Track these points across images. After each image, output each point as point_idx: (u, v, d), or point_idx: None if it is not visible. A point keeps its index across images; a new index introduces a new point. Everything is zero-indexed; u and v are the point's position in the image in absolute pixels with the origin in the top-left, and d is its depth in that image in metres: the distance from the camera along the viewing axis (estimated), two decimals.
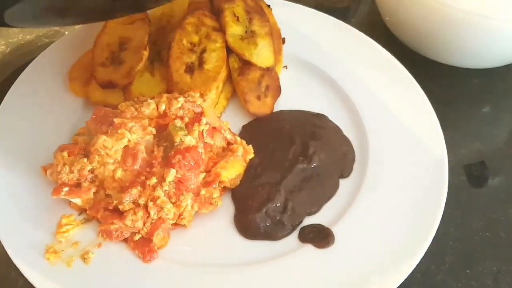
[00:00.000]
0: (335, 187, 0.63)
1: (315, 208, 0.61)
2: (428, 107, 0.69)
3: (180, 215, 0.57)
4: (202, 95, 0.67)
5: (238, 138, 0.66)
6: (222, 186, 0.62)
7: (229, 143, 0.65)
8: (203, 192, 0.59)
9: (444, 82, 0.80)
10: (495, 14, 0.69)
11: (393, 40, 0.83)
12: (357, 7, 0.94)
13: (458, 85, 0.81)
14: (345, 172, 0.65)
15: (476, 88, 0.80)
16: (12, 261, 0.53)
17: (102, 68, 0.67)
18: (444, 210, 0.59)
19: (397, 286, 0.53)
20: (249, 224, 0.59)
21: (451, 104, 0.78)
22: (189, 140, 0.59)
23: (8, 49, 0.76)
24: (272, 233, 0.59)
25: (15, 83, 0.69)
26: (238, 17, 0.71)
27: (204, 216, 0.59)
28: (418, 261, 0.55)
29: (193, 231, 0.59)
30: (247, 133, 0.69)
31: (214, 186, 0.60)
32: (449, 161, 0.63)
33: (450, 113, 0.75)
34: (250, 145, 0.65)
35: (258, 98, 0.70)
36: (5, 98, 0.67)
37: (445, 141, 0.65)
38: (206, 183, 0.60)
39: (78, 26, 0.75)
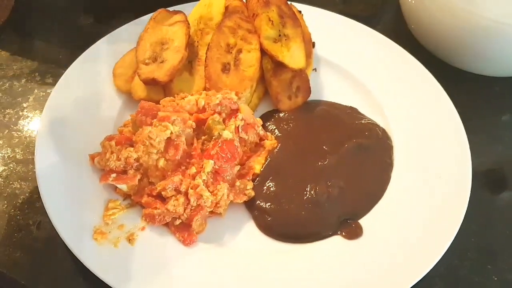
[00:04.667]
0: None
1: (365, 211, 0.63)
2: (452, 110, 0.72)
3: (216, 203, 0.61)
4: (237, 94, 0.71)
5: (269, 134, 0.70)
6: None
7: (261, 139, 0.69)
8: (238, 183, 0.63)
9: (466, 89, 0.81)
10: None
11: (416, 46, 0.86)
12: (381, 15, 0.98)
13: (479, 92, 0.82)
14: None
15: (497, 96, 0.82)
16: (61, 240, 0.57)
17: (145, 66, 0.71)
18: (467, 209, 0.62)
19: (420, 278, 0.56)
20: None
21: (472, 110, 0.79)
22: (227, 134, 0.63)
23: None
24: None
25: (60, 80, 0.72)
26: (272, 21, 0.75)
27: (238, 206, 0.63)
28: (441, 255, 0.58)
29: (228, 219, 0.62)
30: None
31: (248, 178, 0.64)
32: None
33: (470, 119, 0.77)
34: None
35: (289, 98, 0.74)
36: (52, 92, 0.70)
37: None
38: (241, 175, 0.64)
39: (122, 26, 0.80)
